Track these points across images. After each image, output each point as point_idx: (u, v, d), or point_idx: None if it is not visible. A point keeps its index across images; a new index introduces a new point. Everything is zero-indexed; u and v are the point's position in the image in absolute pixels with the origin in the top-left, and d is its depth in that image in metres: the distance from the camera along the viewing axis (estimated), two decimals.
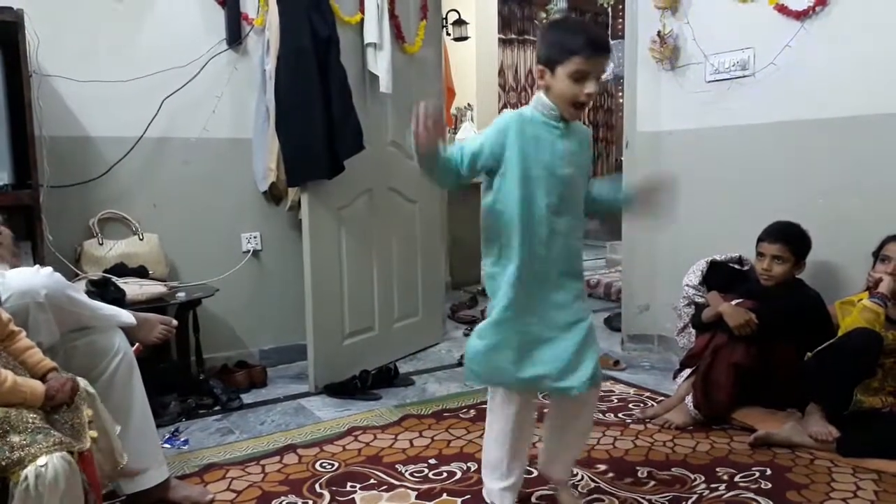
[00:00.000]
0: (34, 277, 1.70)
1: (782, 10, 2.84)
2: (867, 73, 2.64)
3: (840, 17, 2.70)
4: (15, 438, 1.32)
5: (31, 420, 1.37)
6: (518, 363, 1.70)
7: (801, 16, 2.79)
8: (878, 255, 2.40)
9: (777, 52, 2.87)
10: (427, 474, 2.16)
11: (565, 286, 1.73)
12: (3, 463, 1.28)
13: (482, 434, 2.42)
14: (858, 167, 2.69)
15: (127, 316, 1.92)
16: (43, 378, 1.50)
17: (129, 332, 1.92)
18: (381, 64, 3.08)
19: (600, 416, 2.62)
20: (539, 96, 1.70)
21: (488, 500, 1.87)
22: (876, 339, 2.23)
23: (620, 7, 5.00)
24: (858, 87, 2.66)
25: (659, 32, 3.27)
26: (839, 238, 2.70)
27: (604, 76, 6.04)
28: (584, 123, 8.96)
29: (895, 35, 2.56)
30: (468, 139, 1.65)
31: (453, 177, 1.68)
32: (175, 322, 2.11)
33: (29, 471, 1.28)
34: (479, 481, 2.08)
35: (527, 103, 7.06)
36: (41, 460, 1.29)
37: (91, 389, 1.59)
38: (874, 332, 2.23)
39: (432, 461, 2.25)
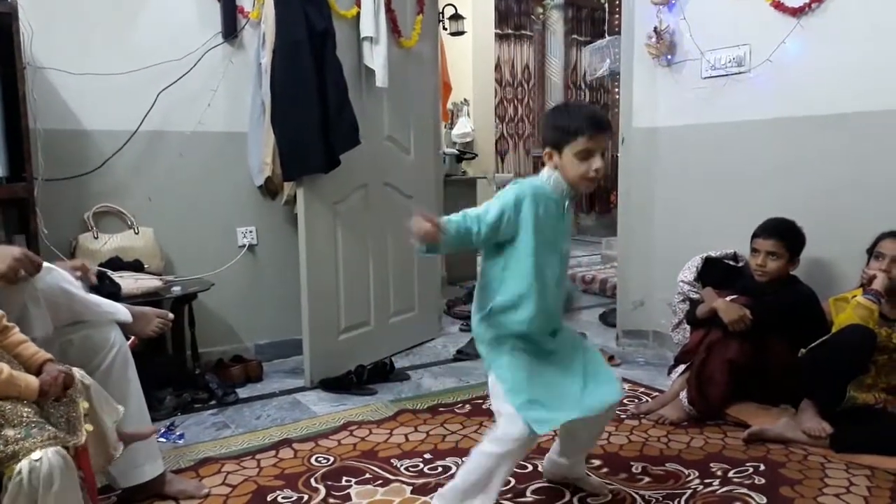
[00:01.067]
0: None
1: (778, 6, 2.85)
2: (863, 69, 2.64)
3: (836, 14, 2.70)
4: (9, 432, 1.32)
5: (25, 414, 1.37)
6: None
7: (797, 12, 2.80)
8: (872, 252, 2.41)
9: (773, 48, 2.87)
10: (422, 469, 2.16)
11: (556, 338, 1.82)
12: None
13: (477, 429, 2.45)
14: (853, 164, 2.69)
15: (123, 311, 1.92)
16: (39, 370, 1.49)
17: (125, 325, 1.92)
18: (377, 58, 3.07)
19: None
20: (554, 175, 1.76)
21: None
22: (869, 335, 2.24)
23: (617, 2, 5.01)
24: (854, 83, 2.67)
25: (655, 28, 3.27)
26: (833, 235, 2.71)
27: (600, 72, 6.05)
28: None
29: (891, 32, 2.56)
30: (482, 208, 1.71)
31: (466, 244, 1.71)
32: (171, 315, 2.10)
33: (23, 465, 1.28)
34: None
35: (523, 98, 7.16)
36: (35, 454, 1.29)
37: (88, 380, 1.59)
38: (868, 328, 2.25)
39: (427, 456, 2.26)
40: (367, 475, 2.12)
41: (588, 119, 1.72)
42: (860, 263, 2.45)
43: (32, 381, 1.44)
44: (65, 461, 1.33)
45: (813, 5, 2.75)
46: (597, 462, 2.19)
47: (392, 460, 2.22)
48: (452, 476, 2.08)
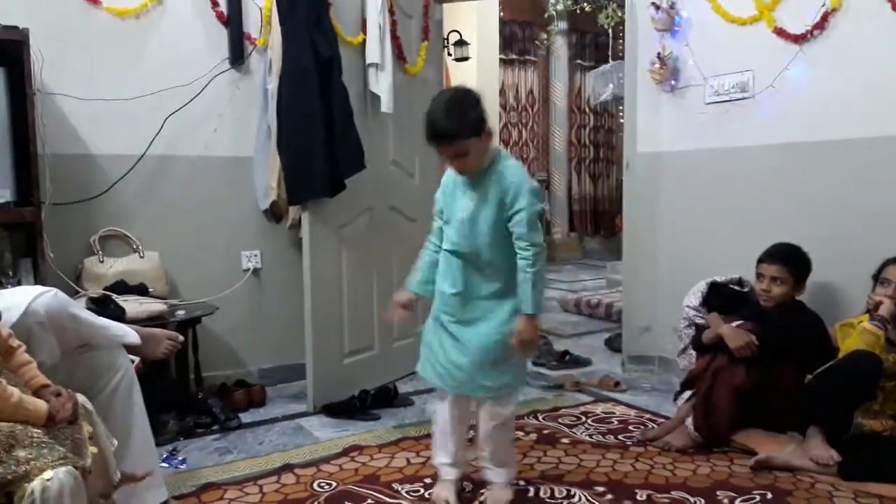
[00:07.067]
0: (35, 298, 1.69)
1: (781, 33, 2.87)
2: (865, 96, 2.65)
3: (838, 41, 2.72)
4: (21, 453, 1.33)
5: (35, 435, 1.37)
6: None
7: (799, 39, 2.82)
8: (877, 278, 2.40)
9: (776, 74, 2.89)
10: (423, 493, 2.15)
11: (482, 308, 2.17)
12: (10, 477, 1.29)
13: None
14: (858, 189, 2.69)
15: (132, 334, 1.91)
16: (35, 394, 1.49)
17: (135, 347, 1.91)
18: (382, 84, 3.10)
19: (600, 437, 2.61)
20: None
21: None
22: (876, 361, 2.23)
23: (621, 28, 5.05)
24: (856, 109, 2.68)
25: (659, 54, 3.29)
26: (839, 260, 2.70)
27: (604, 96, 6.09)
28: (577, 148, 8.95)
29: (891, 59, 2.58)
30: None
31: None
32: (181, 337, 2.10)
33: (35, 485, 1.28)
34: (474, 500, 2.07)
35: (527, 123, 7.30)
36: (47, 474, 1.30)
37: (89, 406, 1.59)
38: (874, 354, 2.23)
39: (428, 480, 2.24)
40: (370, 501, 2.10)
41: (428, 131, 1.97)
42: (866, 289, 2.44)
43: (42, 405, 1.44)
44: (76, 480, 1.34)
45: (815, 32, 2.77)
46: (601, 489, 2.17)
47: (394, 485, 2.21)
48: None
